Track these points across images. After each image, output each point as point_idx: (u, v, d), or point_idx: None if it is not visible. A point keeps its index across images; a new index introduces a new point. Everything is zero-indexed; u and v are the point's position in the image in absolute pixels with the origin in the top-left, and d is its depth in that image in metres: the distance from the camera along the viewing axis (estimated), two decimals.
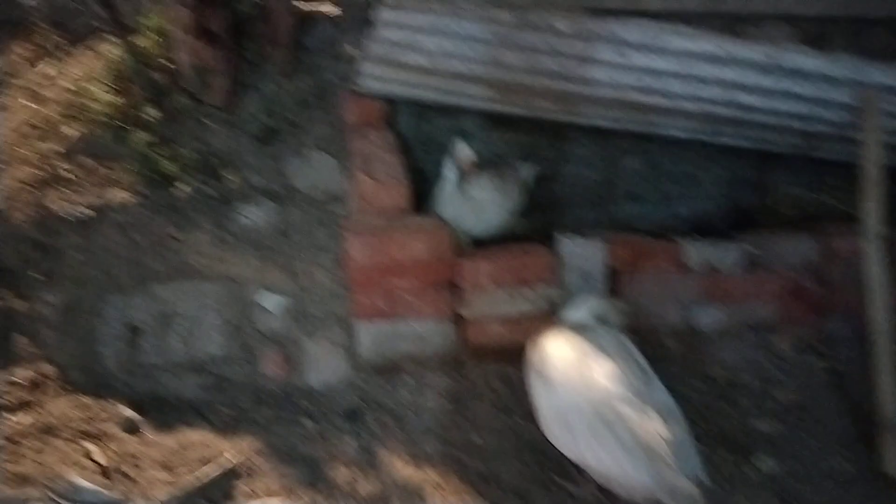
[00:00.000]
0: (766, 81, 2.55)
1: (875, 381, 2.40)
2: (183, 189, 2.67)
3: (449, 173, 2.85)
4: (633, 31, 2.37)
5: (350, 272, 2.49)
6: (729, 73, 2.53)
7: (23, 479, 2.02)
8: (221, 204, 2.71)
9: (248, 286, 2.63)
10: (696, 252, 2.81)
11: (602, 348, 1.98)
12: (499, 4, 2.49)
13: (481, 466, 2.26)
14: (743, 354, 2.85)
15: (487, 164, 3.18)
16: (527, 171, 3.26)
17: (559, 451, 2.02)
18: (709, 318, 2.88)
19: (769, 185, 3.77)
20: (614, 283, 2.77)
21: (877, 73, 2.59)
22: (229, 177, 2.72)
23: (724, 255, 2.82)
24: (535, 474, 2.26)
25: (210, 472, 2.11)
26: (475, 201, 2.88)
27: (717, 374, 2.76)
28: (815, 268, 2.92)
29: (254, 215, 2.71)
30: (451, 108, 3.12)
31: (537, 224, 3.58)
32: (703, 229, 3.73)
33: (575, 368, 1.94)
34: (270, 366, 2.56)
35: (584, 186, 3.70)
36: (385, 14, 2.32)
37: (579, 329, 2.10)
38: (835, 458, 2.38)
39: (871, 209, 2.44)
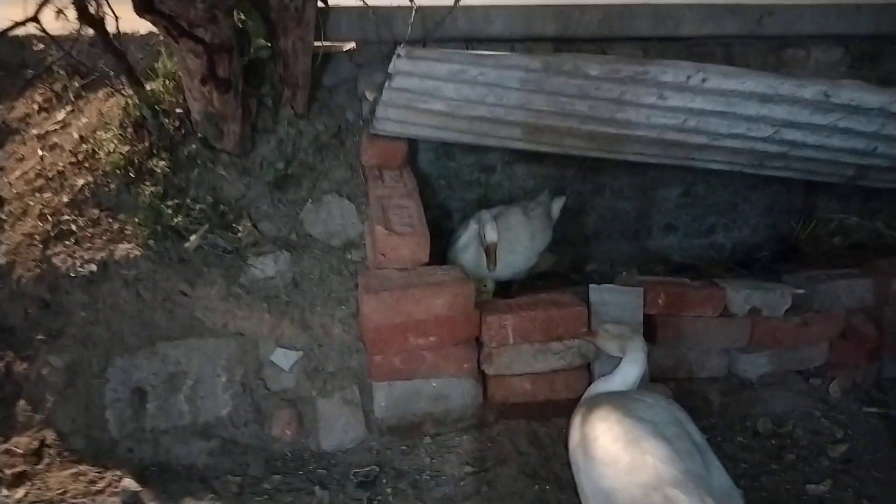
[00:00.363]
0: (820, 118, 2.33)
1: None
2: (193, 241, 2.54)
3: (473, 222, 2.71)
4: (671, 73, 2.18)
5: (366, 332, 2.34)
6: (779, 112, 2.32)
7: None
8: (233, 256, 2.58)
9: (259, 342, 2.50)
10: (740, 296, 2.61)
11: (653, 424, 1.76)
12: (525, 50, 2.33)
13: None
14: (791, 404, 2.66)
15: (513, 202, 3.03)
16: (554, 207, 3.11)
17: None
18: (754, 366, 2.71)
19: (815, 212, 3.57)
20: (651, 333, 2.59)
21: None
22: (242, 227, 2.59)
23: (770, 298, 2.63)
24: None
25: None
26: (502, 244, 2.73)
27: (764, 428, 2.55)
28: (868, 308, 2.72)
29: (267, 267, 2.58)
30: (476, 146, 2.97)
31: (567, 258, 3.42)
32: (745, 260, 3.55)
33: (622, 447, 1.72)
34: (282, 428, 2.41)
35: (618, 219, 3.54)
36: (400, 64, 2.18)
37: (626, 400, 1.88)
38: None
39: None
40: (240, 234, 2.57)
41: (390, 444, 2.42)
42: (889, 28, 3.30)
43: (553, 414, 2.47)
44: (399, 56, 2.13)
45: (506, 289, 2.99)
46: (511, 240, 2.80)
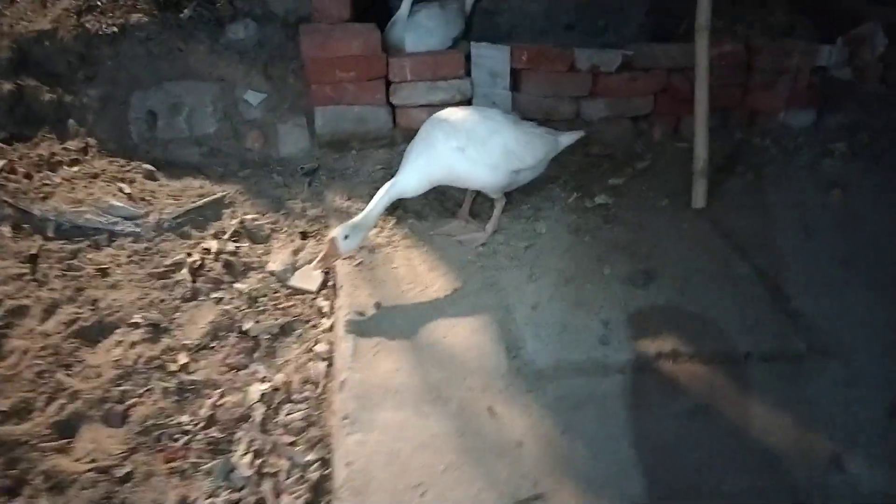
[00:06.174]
0: None
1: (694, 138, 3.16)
2: (186, 13, 3.51)
3: (403, 6, 3.61)
4: None
5: (306, 64, 3.34)
6: None
7: (78, 202, 2.98)
8: (215, 24, 3.55)
9: (235, 86, 3.51)
10: (584, 56, 3.55)
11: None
12: None
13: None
14: (619, 137, 3.65)
15: None
16: (467, 2, 3.99)
17: None
18: (595, 110, 3.66)
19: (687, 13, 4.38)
20: (516, 81, 3.56)
21: None
22: (220, 2, 3.54)
23: (607, 58, 3.56)
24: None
25: (204, 199, 3.06)
26: (421, 28, 3.64)
27: (595, 150, 3.57)
28: (686, 69, 3.64)
29: (240, 32, 3.54)
30: None
31: None
32: None
33: None
34: (252, 141, 3.46)
35: (528, 18, 4.39)
36: None
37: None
38: (658, 199, 3.19)
39: (703, 5, 3.08)
40: (219, 6, 3.52)
41: (327, 154, 3.48)
42: None
43: None
44: None
45: None
46: (430, 27, 3.71)
